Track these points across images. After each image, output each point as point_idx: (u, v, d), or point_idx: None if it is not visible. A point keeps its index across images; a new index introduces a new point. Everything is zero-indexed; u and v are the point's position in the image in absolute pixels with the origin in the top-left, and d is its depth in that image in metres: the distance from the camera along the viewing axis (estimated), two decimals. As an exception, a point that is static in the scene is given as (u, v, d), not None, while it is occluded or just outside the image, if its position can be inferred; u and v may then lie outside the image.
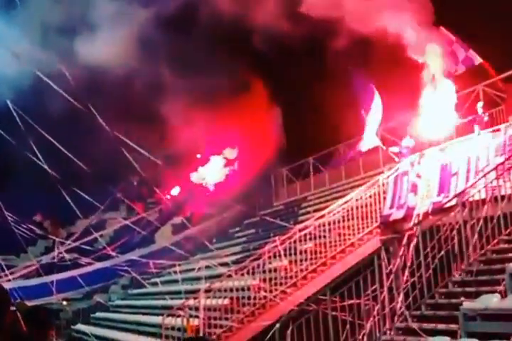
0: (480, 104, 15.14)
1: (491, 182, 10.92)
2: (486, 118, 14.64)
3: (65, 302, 25.86)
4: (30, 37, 15.08)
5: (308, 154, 23.64)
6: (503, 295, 8.02)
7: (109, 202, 23.91)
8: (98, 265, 20.32)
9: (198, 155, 27.94)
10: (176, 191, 28.07)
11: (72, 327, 24.19)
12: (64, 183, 14.26)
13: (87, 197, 14.52)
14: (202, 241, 20.14)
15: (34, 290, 19.95)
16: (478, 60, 16.35)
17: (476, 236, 10.27)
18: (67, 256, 18.53)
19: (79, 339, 17.07)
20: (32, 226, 16.48)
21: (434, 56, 15.37)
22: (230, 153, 27.50)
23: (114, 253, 18.85)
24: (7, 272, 16.10)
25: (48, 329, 5.01)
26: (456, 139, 14.69)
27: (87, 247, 19.43)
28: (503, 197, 10.69)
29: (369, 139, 17.62)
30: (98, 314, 24.32)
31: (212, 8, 18.19)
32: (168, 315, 14.26)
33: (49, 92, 13.96)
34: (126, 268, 17.65)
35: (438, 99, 15.60)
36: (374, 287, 10.45)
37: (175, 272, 18.06)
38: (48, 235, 21.64)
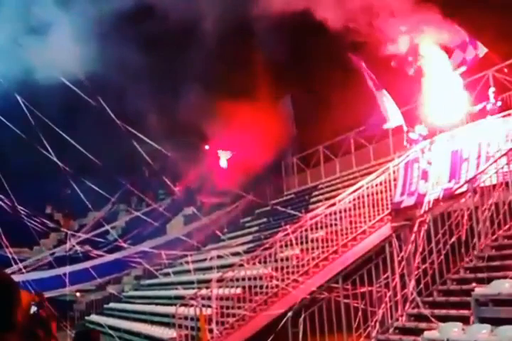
0: (492, 90, 14.90)
1: (502, 167, 10.85)
2: (499, 104, 14.43)
3: (78, 294, 26.08)
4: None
5: (319, 142, 23.55)
6: (515, 280, 7.98)
7: (120, 194, 23.98)
8: (110, 257, 20.41)
9: (207, 147, 27.92)
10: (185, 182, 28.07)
11: (86, 318, 24.41)
12: (74, 176, 14.30)
13: (97, 189, 14.56)
14: (213, 232, 20.18)
15: (47, 283, 20.10)
16: (482, 51, 15.67)
17: (487, 221, 10.22)
18: (79, 249, 18.62)
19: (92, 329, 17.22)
20: (44, 219, 16.53)
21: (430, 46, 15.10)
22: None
23: (125, 245, 18.90)
24: (20, 265, 16.18)
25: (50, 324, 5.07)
26: (466, 125, 14.57)
27: (99, 239, 19.52)
28: (514, 183, 10.62)
29: (394, 117, 17.04)
30: (111, 305, 24.50)
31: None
32: (181, 305, 14.30)
33: (57, 85, 13.96)
34: (138, 259, 17.71)
35: (444, 84, 15.36)
36: (386, 275, 10.45)
37: (187, 262, 18.09)
38: (60, 228, 21.73)
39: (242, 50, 22.81)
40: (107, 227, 20.66)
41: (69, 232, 20.72)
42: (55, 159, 12.93)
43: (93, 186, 14.02)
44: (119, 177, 17.00)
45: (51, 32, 15.93)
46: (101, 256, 20.19)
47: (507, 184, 10.61)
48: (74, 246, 19.32)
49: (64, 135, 13.32)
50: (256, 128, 24.53)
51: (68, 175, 13.58)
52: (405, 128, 16.47)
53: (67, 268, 18.97)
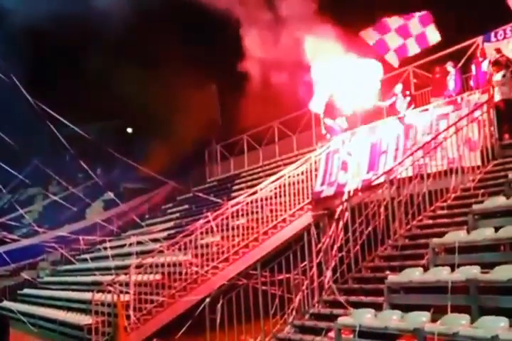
0: (398, 87, 15.28)
1: (418, 160, 11.24)
2: (407, 100, 14.82)
3: (-10, 280, 25.26)
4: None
5: (243, 131, 23.63)
6: (426, 268, 8.30)
7: (34, 176, 23.28)
8: (25, 241, 19.85)
9: (129, 129, 27.56)
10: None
11: (-1, 304, 23.70)
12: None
13: (11, 170, 14.06)
14: (134, 218, 19.96)
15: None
16: (435, 38, 15.28)
17: (402, 212, 10.57)
18: (-9, 232, 18.01)
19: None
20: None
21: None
22: None
23: (41, 230, 18.40)
24: None
25: None
26: (385, 118, 14.99)
27: (14, 223, 18.91)
28: (428, 175, 11.04)
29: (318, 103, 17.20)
30: (26, 291, 23.85)
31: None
32: (98, 291, 14.12)
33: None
34: (54, 244, 17.30)
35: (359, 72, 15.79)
36: (304, 262, 10.63)
37: (105, 248, 17.83)
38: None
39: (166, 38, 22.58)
40: (21, 211, 20.04)
41: (-18, 216, 20.02)
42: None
43: (6, 167, 13.51)
44: (36, 159, 16.51)
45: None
46: (16, 240, 19.59)
47: (422, 176, 11.00)
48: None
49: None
50: (181, 115, 24.38)
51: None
52: (322, 116, 16.76)
53: (-22, 253, 18.36)
